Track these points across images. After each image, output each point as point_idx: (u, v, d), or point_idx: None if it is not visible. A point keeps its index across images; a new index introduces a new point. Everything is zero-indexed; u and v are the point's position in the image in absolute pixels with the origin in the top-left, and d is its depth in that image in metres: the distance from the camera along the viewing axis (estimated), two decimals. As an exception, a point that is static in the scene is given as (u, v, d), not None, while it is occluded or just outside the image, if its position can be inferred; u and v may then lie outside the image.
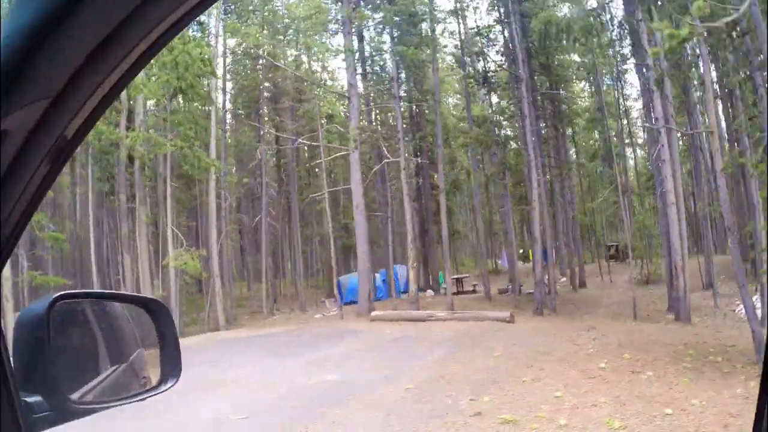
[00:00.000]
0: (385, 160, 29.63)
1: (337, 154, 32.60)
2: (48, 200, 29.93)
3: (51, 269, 29.57)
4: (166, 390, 2.24)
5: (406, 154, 31.81)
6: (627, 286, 34.55)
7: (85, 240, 33.50)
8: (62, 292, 1.76)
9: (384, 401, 12.30)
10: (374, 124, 34.23)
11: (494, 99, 37.87)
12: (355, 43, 31.65)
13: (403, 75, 33.22)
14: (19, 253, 25.82)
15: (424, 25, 30.78)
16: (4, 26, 0.98)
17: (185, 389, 13.19)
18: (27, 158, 1.11)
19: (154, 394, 2.23)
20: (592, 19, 25.36)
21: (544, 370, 14.51)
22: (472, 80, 34.00)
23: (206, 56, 27.59)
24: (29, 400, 1.41)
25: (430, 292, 33.26)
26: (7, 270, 24.83)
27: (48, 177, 1.20)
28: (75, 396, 1.78)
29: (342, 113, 39.74)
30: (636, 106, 47.91)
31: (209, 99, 30.10)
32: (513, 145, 33.87)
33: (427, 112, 36.49)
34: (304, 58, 42.46)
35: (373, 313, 25.49)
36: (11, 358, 1.33)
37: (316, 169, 42.39)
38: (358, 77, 31.66)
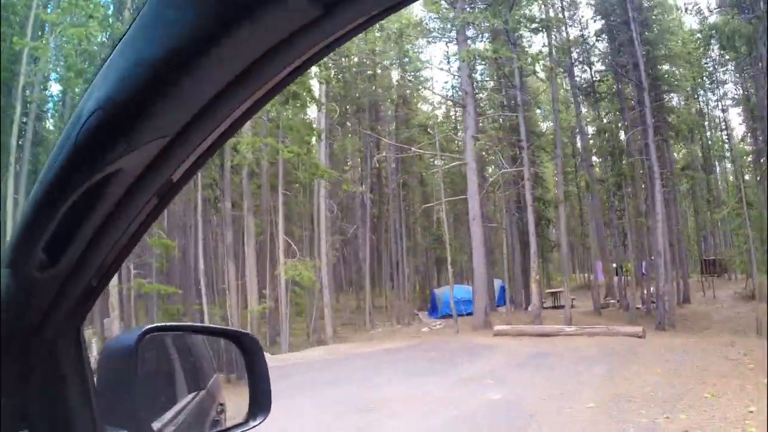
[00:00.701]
0: (502, 170, 29.23)
1: (455, 164, 31.91)
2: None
3: (155, 277, 29.38)
4: (255, 426, 2.21)
5: (500, 163, 31.48)
6: (731, 302, 33.84)
7: (187, 247, 33.57)
8: (151, 325, 1.77)
9: (577, 421, 11.86)
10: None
11: (583, 109, 37.51)
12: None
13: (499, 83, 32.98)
14: (126, 260, 25.76)
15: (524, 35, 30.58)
16: (126, 60, 0.96)
17: (345, 410, 12.94)
18: (135, 196, 1.11)
19: (245, 429, 2.21)
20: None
21: (717, 386, 14.15)
22: (577, 90, 33.47)
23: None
24: None
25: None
26: (114, 278, 24.83)
27: (153, 213, 1.22)
28: (156, 426, 1.86)
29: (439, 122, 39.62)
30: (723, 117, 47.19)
31: (320, 104, 29.64)
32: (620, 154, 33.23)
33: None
34: (400, 67, 42.10)
35: (497, 328, 24.89)
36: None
37: (400, 180, 42.13)
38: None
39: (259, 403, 2.28)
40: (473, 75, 32.80)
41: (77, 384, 1.27)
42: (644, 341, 21.93)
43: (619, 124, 32.16)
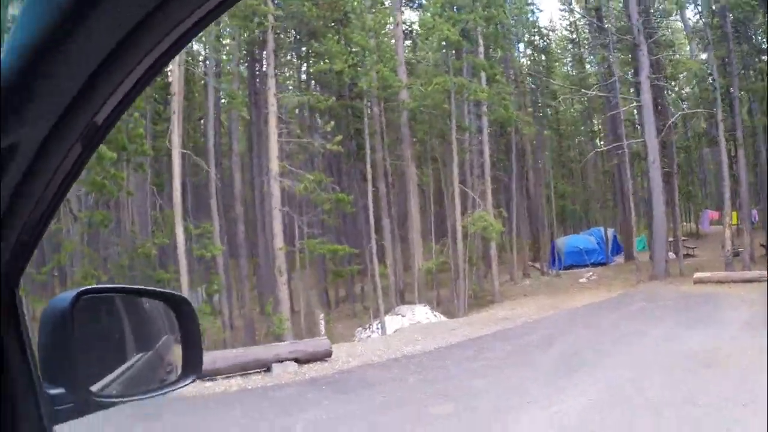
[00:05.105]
0: (680, 112, 29.04)
1: (632, 105, 31.39)
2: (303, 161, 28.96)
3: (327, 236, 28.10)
4: (185, 385, 2.41)
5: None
6: None
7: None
8: (87, 287, 1.87)
9: None
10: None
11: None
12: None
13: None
14: (297, 219, 24.72)
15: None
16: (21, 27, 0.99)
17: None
18: (53, 145, 1.11)
19: (174, 389, 2.42)
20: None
21: None
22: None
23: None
24: (52, 392, 1.53)
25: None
26: (280, 239, 23.74)
27: (79, 161, 1.23)
28: (98, 387, 1.99)
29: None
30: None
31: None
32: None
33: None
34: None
35: (697, 275, 24.85)
36: (36, 351, 1.46)
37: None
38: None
39: (191, 364, 2.48)
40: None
41: (15, 342, 1.34)
42: None
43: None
